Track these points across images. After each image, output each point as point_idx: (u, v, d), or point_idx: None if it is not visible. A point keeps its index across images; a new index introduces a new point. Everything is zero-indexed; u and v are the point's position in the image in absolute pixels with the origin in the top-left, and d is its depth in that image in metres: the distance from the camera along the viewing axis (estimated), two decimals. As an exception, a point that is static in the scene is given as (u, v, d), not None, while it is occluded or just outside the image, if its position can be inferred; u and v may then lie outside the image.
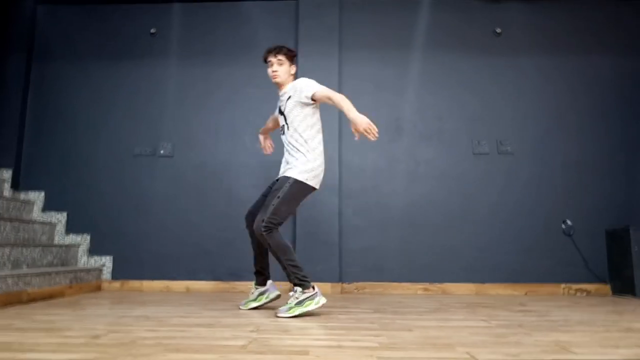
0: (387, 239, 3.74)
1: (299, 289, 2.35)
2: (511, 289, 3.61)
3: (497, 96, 3.93)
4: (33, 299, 2.83)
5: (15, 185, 3.91)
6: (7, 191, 3.85)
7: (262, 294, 2.64)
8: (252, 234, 2.62)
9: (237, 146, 3.93)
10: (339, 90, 3.84)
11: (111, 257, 3.78)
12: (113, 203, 3.87)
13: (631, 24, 3.99)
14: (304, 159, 2.47)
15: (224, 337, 1.78)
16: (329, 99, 2.42)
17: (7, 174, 3.88)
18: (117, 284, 3.72)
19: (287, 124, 2.54)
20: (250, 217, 2.63)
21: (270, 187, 2.64)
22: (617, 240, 3.55)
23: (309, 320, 2.21)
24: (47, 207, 3.89)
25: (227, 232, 3.78)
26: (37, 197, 3.89)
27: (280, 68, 2.59)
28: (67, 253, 3.65)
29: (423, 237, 3.74)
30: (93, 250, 3.81)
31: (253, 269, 2.68)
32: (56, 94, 4.07)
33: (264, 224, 2.35)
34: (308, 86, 2.48)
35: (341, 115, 3.80)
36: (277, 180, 2.56)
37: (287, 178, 2.45)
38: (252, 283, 2.70)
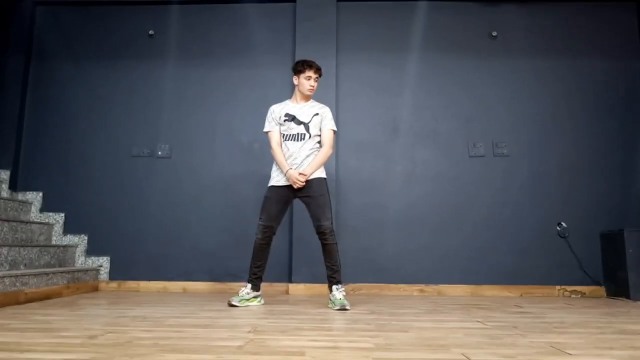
0: (384, 240, 3.74)
1: (341, 286, 2.76)
2: (507, 290, 3.62)
3: (493, 98, 3.94)
4: (30, 299, 2.82)
5: (13, 186, 3.90)
6: (4, 192, 3.84)
7: (256, 297, 2.92)
8: (268, 244, 2.87)
9: (234, 147, 3.93)
10: (337, 93, 3.87)
11: (108, 258, 3.77)
12: (111, 204, 3.87)
13: (626, 26, 4.01)
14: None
15: (221, 337, 1.78)
16: (326, 141, 2.86)
17: (5, 174, 3.87)
18: (114, 285, 3.71)
19: (309, 133, 2.85)
20: (272, 228, 2.84)
21: (282, 195, 2.85)
22: (611, 243, 3.56)
23: (305, 321, 2.21)
24: (45, 207, 3.88)
25: (224, 233, 3.78)
26: (35, 198, 3.88)
27: (316, 84, 2.90)
28: (64, 253, 3.64)
29: (419, 238, 3.74)
30: (90, 251, 3.80)
31: (254, 275, 2.89)
32: (54, 94, 4.06)
33: (332, 225, 2.77)
34: (332, 123, 2.92)
35: (337, 116, 3.81)
36: (307, 183, 2.80)
37: (321, 180, 2.84)
38: (248, 285, 2.88)
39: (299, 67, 2.86)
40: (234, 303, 2.77)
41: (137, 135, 3.97)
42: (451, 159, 3.86)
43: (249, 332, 1.90)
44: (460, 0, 4.06)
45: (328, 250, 2.76)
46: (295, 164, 2.81)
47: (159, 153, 3.92)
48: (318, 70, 2.87)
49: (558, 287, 3.62)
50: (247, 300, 2.84)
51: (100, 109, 4.02)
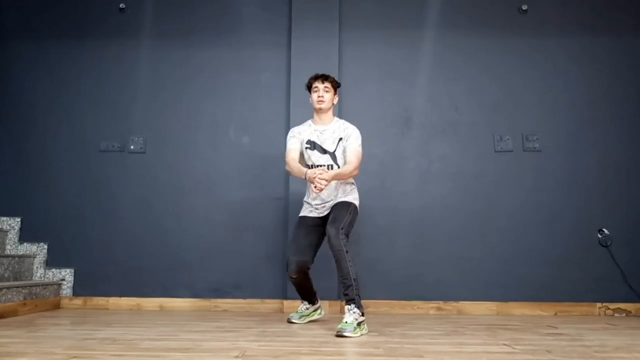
0: (395, 249, 3.74)
1: (354, 306, 2.58)
2: (538, 308, 3.61)
3: (522, 84, 3.94)
4: (-20, 319, 2.81)
5: (-39, 186, 3.90)
6: (-49, 193, 3.83)
7: (316, 310, 3.15)
8: (306, 277, 2.94)
9: (220, 141, 3.92)
10: (339, 78, 3.86)
11: (72, 270, 3.76)
12: (75, 207, 3.86)
13: (678, 1, 4.00)
14: (354, 188, 2.98)
15: (203, 363, 1.77)
16: (353, 159, 2.84)
17: (-49, 172, 3.87)
18: (79, 301, 3.71)
19: (337, 164, 2.90)
20: (305, 263, 2.86)
21: (311, 225, 2.94)
22: (661, 252, 3.56)
23: (302, 345, 2.20)
24: (-3, 211, 3.89)
25: (208, 240, 3.78)
26: (-14, 200, 3.89)
27: (326, 94, 2.93)
28: (20, 265, 3.63)
29: (436, 246, 3.74)
30: (51, 262, 3.79)
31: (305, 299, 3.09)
32: (9, 79, 4.05)
33: (342, 231, 2.72)
34: (358, 143, 2.91)
35: (339, 105, 3.80)
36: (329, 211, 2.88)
37: (349, 203, 2.87)
38: (307, 304, 3.12)
39: (307, 84, 2.99)
40: (293, 320, 3.00)
41: (106, 126, 3.96)
42: (474, 154, 3.86)
43: (237, 357, 1.89)
44: (484, -31, 4.06)
45: (336, 259, 2.66)
46: (323, 200, 2.91)
47: (131, 147, 3.92)
48: (323, 79, 2.93)
49: (599, 304, 3.62)
50: (307, 315, 3.08)
51: (64, 97, 4.02)
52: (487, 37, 4.00)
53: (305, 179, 2.82)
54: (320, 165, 2.89)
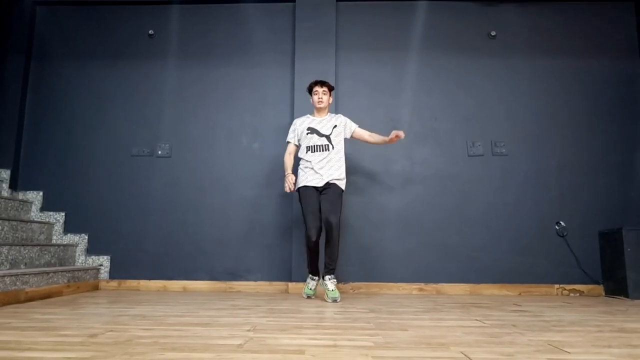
0: (383, 239, 3.75)
1: (333, 277, 3.11)
2: (505, 289, 3.62)
3: (492, 97, 3.94)
4: (31, 298, 2.82)
5: (14, 185, 3.90)
6: (5, 191, 3.84)
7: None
8: (317, 245, 3.13)
9: (234, 146, 3.93)
10: (336, 92, 3.86)
11: (109, 257, 3.77)
12: (110, 203, 3.87)
13: (624, 25, 4.01)
14: (344, 172, 3.23)
15: (221, 336, 1.78)
16: (365, 134, 3.28)
17: (6, 174, 3.87)
18: (114, 284, 3.72)
19: (331, 144, 3.18)
20: (319, 229, 3.09)
21: (317, 191, 3.15)
22: (610, 242, 3.56)
23: (305, 320, 2.21)
24: (45, 206, 3.89)
25: (224, 232, 3.79)
26: (35, 197, 3.88)
27: (324, 96, 3.25)
28: (64, 252, 3.64)
29: (418, 237, 3.74)
30: (91, 250, 3.80)
31: (316, 268, 3.25)
32: (54, 94, 4.06)
33: (340, 223, 3.08)
34: (351, 122, 3.31)
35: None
36: (328, 185, 3.13)
37: (340, 188, 3.16)
38: (315, 278, 3.27)
39: (308, 88, 3.29)
40: (312, 297, 3.23)
41: (137, 134, 3.97)
42: (450, 158, 3.86)
43: (249, 330, 1.90)
44: (459, 0, 4.06)
45: (332, 244, 3.04)
46: (320, 174, 3.13)
47: (159, 152, 3.92)
48: (322, 84, 3.23)
49: (557, 285, 3.63)
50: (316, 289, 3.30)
51: (100, 109, 4.02)
52: (462, 58, 4.01)
53: (285, 175, 3.21)
54: (318, 146, 3.17)
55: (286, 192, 3.77)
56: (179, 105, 4.01)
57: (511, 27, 4.04)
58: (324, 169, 3.14)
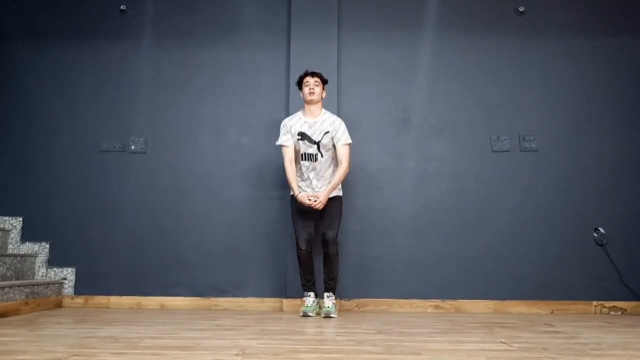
0: (393, 249, 3.74)
1: (332, 294, 3.29)
2: (535, 306, 3.62)
3: (519, 83, 3.94)
4: (-18, 318, 2.81)
5: (-37, 186, 3.90)
6: (-47, 192, 3.83)
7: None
8: (307, 255, 3.28)
9: (220, 141, 3.92)
10: (338, 78, 3.86)
11: (74, 269, 3.76)
12: (76, 207, 3.86)
13: (673, 3, 4.00)
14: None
15: (204, 361, 1.77)
16: (342, 159, 3.25)
17: (-46, 172, 3.87)
18: (80, 300, 3.71)
19: (320, 152, 3.27)
20: (308, 236, 3.26)
21: (309, 208, 3.23)
22: (656, 251, 3.56)
23: (302, 342, 2.20)
24: (-1, 211, 3.88)
25: (208, 240, 3.78)
26: (-12, 200, 3.88)
27: (316, 88, 3.28)
28: (22, 264, 3.63)
29: (434, 246, 3.74)
30: (53, 261, 3.79)
31: (309, 283, 3.36)
32: (11, 80, 4.05)
33: (337, 238, 3.26)
34: (346, 135, 3.30)
35: (338, 105, 3.81)
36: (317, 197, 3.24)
37: (339, 197, 3.34)
38: (310, 294, 3.35)
39: (298, 80, 3.33)
40: (309, 314, 3.22)
41: (107, 127, 3.96)
42: (471, 154, 3.86)
43: (237, 355, 1.89)
44: (482, -29, 4.07)
45: (329, 259, 3.25)
46: (312, 187, 3.31)
47: (132, 147, 3.92)
48: (313, 74, 3.29)
49: (595, 302, 3.62)
50: (316, 307, 3.35)
51: (65, 97, 4.02)
52: (484, 38, 4.01)
53: (295, 195, 3.26)
54: (308, 154, 3.27)
55: (281, 195, 3.77)
56: (156, 93, 4.01)
57: (542, 1, 4.03)
58: (314, 181, 3.32)
